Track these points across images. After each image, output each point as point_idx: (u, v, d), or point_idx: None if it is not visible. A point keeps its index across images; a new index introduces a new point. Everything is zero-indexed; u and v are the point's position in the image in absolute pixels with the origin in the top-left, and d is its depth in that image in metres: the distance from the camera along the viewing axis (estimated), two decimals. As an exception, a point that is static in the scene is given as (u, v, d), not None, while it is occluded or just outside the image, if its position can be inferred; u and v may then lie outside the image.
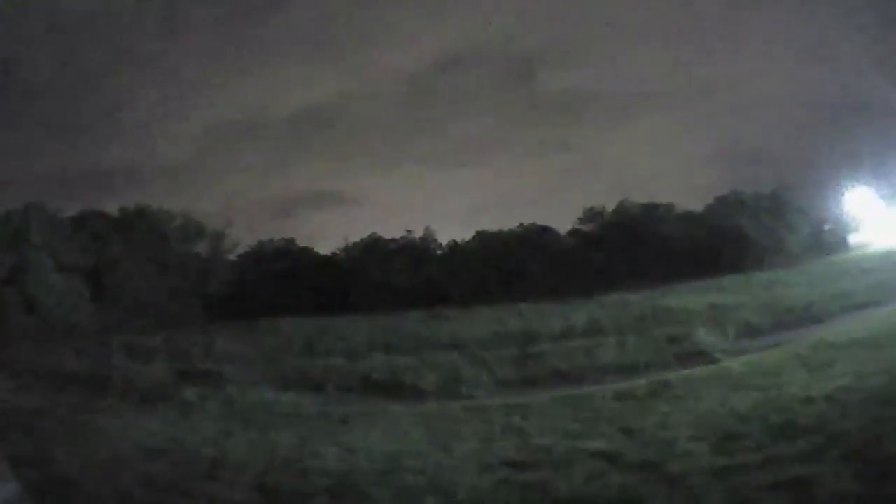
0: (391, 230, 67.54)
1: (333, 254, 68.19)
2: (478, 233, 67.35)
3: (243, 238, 64.68)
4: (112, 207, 59.54)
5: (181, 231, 61.00)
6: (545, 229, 66.67)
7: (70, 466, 17.61)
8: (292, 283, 63.21)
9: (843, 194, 59.48)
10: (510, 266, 61.50)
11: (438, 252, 67.44)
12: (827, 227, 62.10)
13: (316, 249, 69.01)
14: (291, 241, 68.76)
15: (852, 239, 61.48)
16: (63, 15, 58.96)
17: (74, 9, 59.91)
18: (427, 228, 67.22)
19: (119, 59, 67.34)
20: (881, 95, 49.34)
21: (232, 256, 64.70)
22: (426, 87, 75.32)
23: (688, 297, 43.42)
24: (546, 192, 75.89)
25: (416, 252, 65.89)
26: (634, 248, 59.93)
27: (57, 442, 20.26)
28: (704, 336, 32.87)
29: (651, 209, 63.66)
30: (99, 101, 67.02)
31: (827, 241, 60.84)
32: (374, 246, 66.55)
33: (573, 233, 66.89)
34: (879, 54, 50.71)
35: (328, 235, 69.18)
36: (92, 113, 66.50)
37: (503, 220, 68.71)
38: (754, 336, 33.71)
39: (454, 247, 67.37)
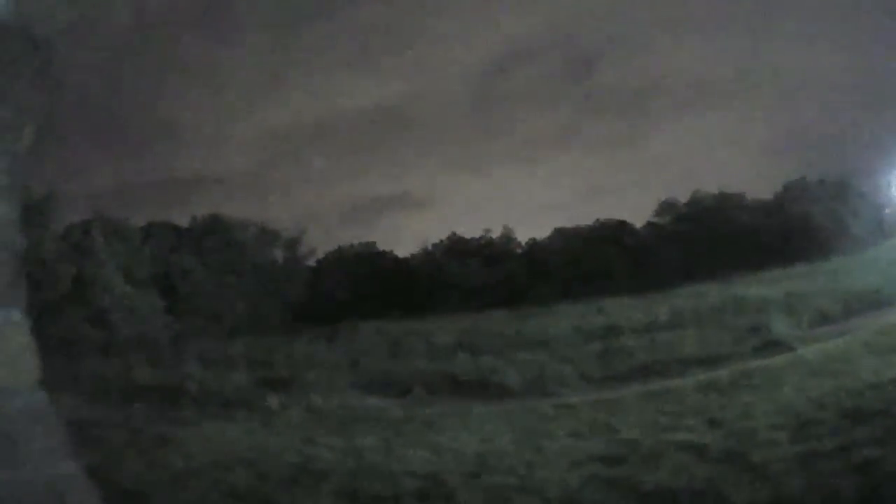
0: (469, 230, 68.37)
1: (413, 256, 69.11)
2: (556, 230, 68.05)
3: (321, 243, 65.69)
4: (182, 218, 60.99)
5: (256, 239, 62.02)
6: (621, 224, 67.30)
7: (144, 479, 17.62)
8: (373, 286, 64.41)
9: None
10: (589, 262, 61.92)
11: (518, 251, 68.12)
12: (887, 211, 61.94)
13: (395, 252, 70.01)
14: (371, 244, 69.97)
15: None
16: (118, 29, 60.57)
17: (128, 22, 61.58)
18: (505, 227, 68.04)
19: (179, 67, 68.47)
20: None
21: (311, 262, 65.78)
22: (491, 85, 76.01)
23: (762, 287, 43.64)
24: (619, 187, 76.56)
25: (495, 251, 66.66)
26: (709, 239, 60.19)
27: (130, 455, 20.26)
28: (780, 325, 33.33)
29: (723, 199, 64.02)
30: (163, 111, 68.42)
31: (887, 225, 61.00)
32: (453, 247, 67.33)
33: (649, 226, 67.41)
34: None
35: (406, 238, 70.24)
36: (156, 125, 67.81)
37: (579, 215, 69.69)
38: (826, 323, 34.11)
39: (533, 244, 68.05)
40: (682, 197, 67.17)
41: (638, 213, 68.09)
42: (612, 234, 66.06)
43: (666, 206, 66.75)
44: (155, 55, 68.04)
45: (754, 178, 67.52)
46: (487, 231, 68.34)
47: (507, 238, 68.08)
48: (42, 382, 4.65)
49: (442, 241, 68.19)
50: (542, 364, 33.07)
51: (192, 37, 68.12)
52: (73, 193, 53.10)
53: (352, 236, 69.27)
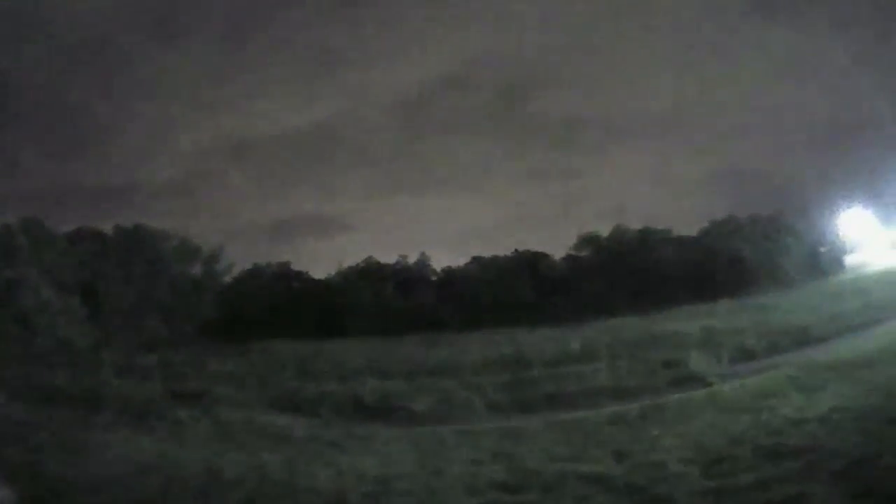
0: (386, 255, 67.76)
1: (328, 278, 68.34)
2: (472, 258, 67.52)
3: (238, 260, 64.80)
4: (107, 225, 59.63)
5: (176, 252, 61.04)
6: (539, 255, 66.81)
7: (61, 480, 17.90)
8: (287, 306, 63.35)
9: (838, 216, 59.58)
10: (505, 292, 61.54)
11: (433, 277, 67.57)
12: (823, 249, 62.20)
13: (311, 273, 69.20)
14: (286, 264, 68.86)
15: (849, 260, 61.59)
16: (60, 32, 59.04)
17: (71, 26, 60.07)
18: (422, 254, 67.37)
19: (116, 76, 67.59)
20: (875, 116, 49.50)
21: (227, 278, 64.86)
22: (420, 111, 75.45)
23: (682, 322, 43.20)
24: (541, 218, 75.89)
25: (410, 277, 65.96)
26: (629, 274, 59.92)
27: (48, 455, 20.52)
28: (698, 360, 32.70)
29: (646, 234, 63.70)
30: (94, 119, 67.15)
31: (823, 263, 60.93)
32: (368, 270, 66.60)
33: (568, 259, 66.93)
34: (873, 75, 50.90)
35: (323, 259, 69.23)
36: (87, 130, 66.62)
37: (498, 245, 68.84)
38: (749, 359, 33.56)
39: (449, 272, 67.49)
40: (606, 230, 66.74)
41: (560, 245, 67.94)
42: (529, 264, 65.38)
43: (586, 240, 66.40)
44: (102, 60, 66.86)
45: (683, 214, 67.40)
46: (404, 257, 67.77)
47: (423, 264, 67.69)
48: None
49: (358, 264, 67.69)
50: (450, 391, 32.51)
51: (140, 42, 66.99)
52: (3, 193, 52.03)
53: (270, 254, 68.06)
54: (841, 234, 60.90)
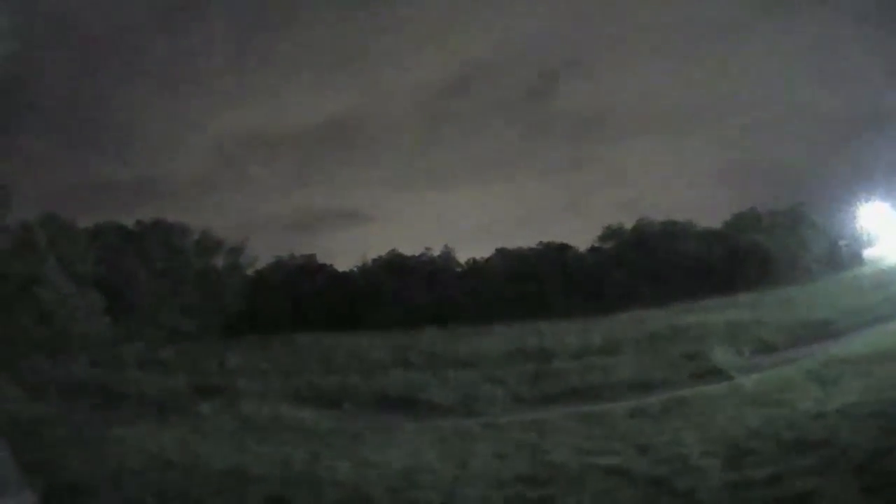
0: (410, 247, 67.74)
1: (352, 270, 68.39)
2: (497, 250, 67.48)
3: (262, 254, 65.02)
4: (129, 220, 60.01)
5: (198, 246, 61.33)
6: (564, 247, 66.73)
7: (81, 475, 17.94)
8: (310, 299, 63.58)
9: (858, 209, 59.32)
10: (529, 284, 61.46)
11: (457, 269, 67.52)
12: (843, 243, 62.03)
13: (335, 266, 69.28)
14: (311, 257, 69.08)
15: (868, 253, 61.37)
16: (79, 28, 59.26)
17: (91, 22, 60.26)
18: (446, 246, 67.36)
19: (136, 71, 67.76)
20: (893, 110, 49.24)
21: (250, 272, 65.04)
22: (444, 103, 75.45)
23: (704, 315, 43.28)
24: (565, 210, 75.82)
25: (434, 269, 65.94)
26: (653, 266, 59.85)
27: (69, 450, 20.62)
28: (720, 353, 32.64)
29: (669, 227, 63.58)
30: (116, 113, 67.50)
31: (843, 257, 60.87)
32: (392, 263, 66.65)
33: (593, 250, 66.85)
34: (892, 66, 50.63)
35: (347, 252, 69.33)
36: (109, 125, 66.86)
37: (523, 237, 68.87)
38: (769, 353, 33.46)
39: (473, 264, 67.45)
40: (630, 223, 66.58)
41: (584, 237, 67.82)
42: (554, 257, 65.30)
43: (611, 232, 66.30)
44: (122, 56, 67.11)
45: (706, 207, 67.13)
46: (428, 249, 67.75)
47: (448, 257, 67.60)
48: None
49: (381, 256, 67.66)
50: (473, 383, 32.49)
51: (161, 39, 67.21)
52: (25, 189, 52.31)
53: (293, 247, 68.18)
54: (860, 227, 60.67)
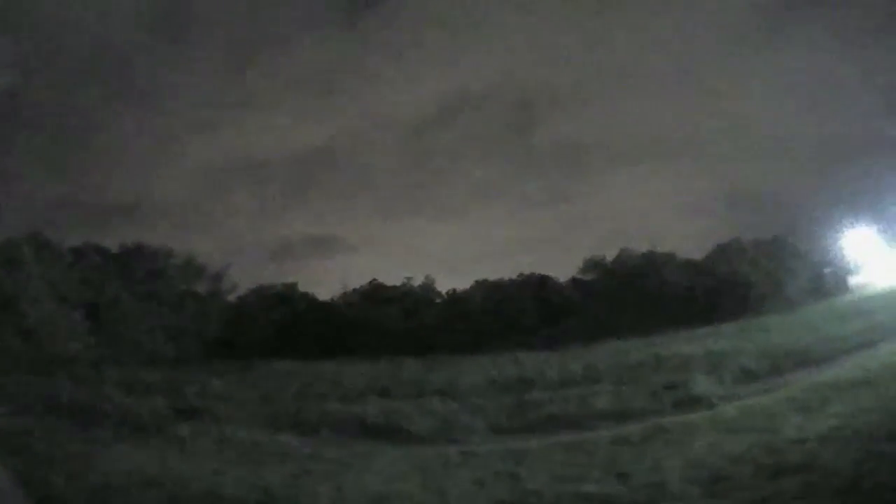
0: (391, 277, 67.98)
1: (332, 299, 68.50)
2: (477, 282, 67.87)
3: (242, 280, 65.32)
4: (113, 242, 60.29)
5: (181, 270, 61.51)
6: (544, 278, 67.07)
7: (62, 492, 17.97)
8: (290, 326, 63.86)
9: (842, 236, 59.69)
10: (508, 315, 61.75)
11: (437, 300, 67.67)
12: (827, 270, 62.39)
13: (315, 295, 69.43)
14: (293, 286, 69.35)
15: (853, 280, 61.71)
16: (67, 50, 59.86)
17: (79, 46, 60.80)
18: (427, 276, 67.66)
19: (121, 96, 68.49)
20: (879, 136, 49.66)
21: (231, 298, 65.18)
22: (426, 134, 75.92)
23: (686, 344, 43.45)
24: (546, 242, 76.23)
25: (414, 299, 66.19)
26: (634, 297, 60.08)
27: (49, 467, 20.46)
28: (701, 382, 32.57)
29: (651, 258, 63.90)
30: (100, 138, 68.00)
31: (827, 284, 61.25)
32: (373, 293, 66.94)
33: (573, 282, 67.09)
34: (875, 96, 51.17)
35: (328, 280, 69.88)
36: (93, 148, 67.46)
37: (503, 269, 69.20)
38: (751, 381, 33.41)
39: (453, 295, 67.62)
40: (612, 254, 66.83)
41: (566, 268, 68.12)
42: (533, 288, 65.81)
43: (592, 264, 66.54)
44: (107, 78, 67.60)
45: (689, 237, 67.76)
46: (409, 279, 67.97)
47: (428, 287, 67.73)
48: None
49: (362, 286, 67.76)
50: (452, 412, 32.46)
51: (146, 62, 67.82)
52: (11, 207, 52.71)
53: (274, 274, 68.68)
54: (845, 254, 61.04)
